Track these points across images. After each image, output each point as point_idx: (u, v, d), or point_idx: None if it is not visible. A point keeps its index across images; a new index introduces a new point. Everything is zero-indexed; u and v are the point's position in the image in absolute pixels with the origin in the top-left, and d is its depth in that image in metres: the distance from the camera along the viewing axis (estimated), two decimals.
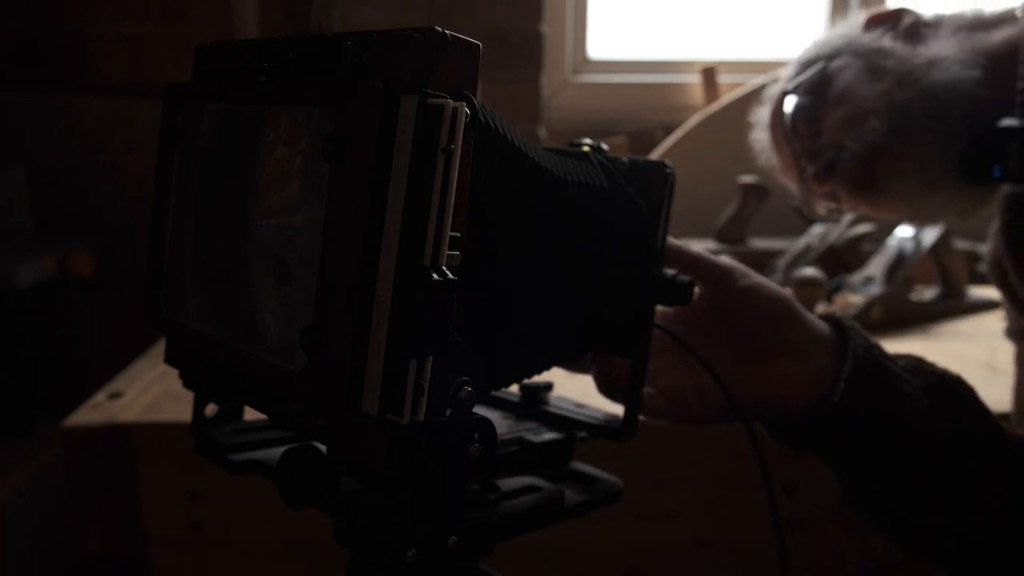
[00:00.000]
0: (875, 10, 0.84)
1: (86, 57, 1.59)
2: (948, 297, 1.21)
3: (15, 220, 1.53)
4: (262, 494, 0.49)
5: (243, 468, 0.44)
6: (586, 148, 0.48)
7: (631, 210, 0.48)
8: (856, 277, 1.18)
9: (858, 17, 0.85)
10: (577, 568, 0.85)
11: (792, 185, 0.89)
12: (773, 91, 0.90)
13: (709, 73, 1.60)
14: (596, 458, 0.49)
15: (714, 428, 0.61)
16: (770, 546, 0.51)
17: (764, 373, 0.57)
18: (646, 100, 1.65)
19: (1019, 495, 0.60)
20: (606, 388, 0.54)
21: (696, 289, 0.50)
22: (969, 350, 1.03)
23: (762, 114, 0.92)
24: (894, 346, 0.63)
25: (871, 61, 0.79)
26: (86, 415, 0.83)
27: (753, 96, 1.02)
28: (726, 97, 1.54)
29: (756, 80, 1.48)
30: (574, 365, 0.56)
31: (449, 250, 0.31)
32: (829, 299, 1.14)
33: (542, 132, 1.61)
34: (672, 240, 0.53)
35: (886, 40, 0.80)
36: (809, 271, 1.10)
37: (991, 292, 1.11)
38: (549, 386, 0.52)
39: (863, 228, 1.24)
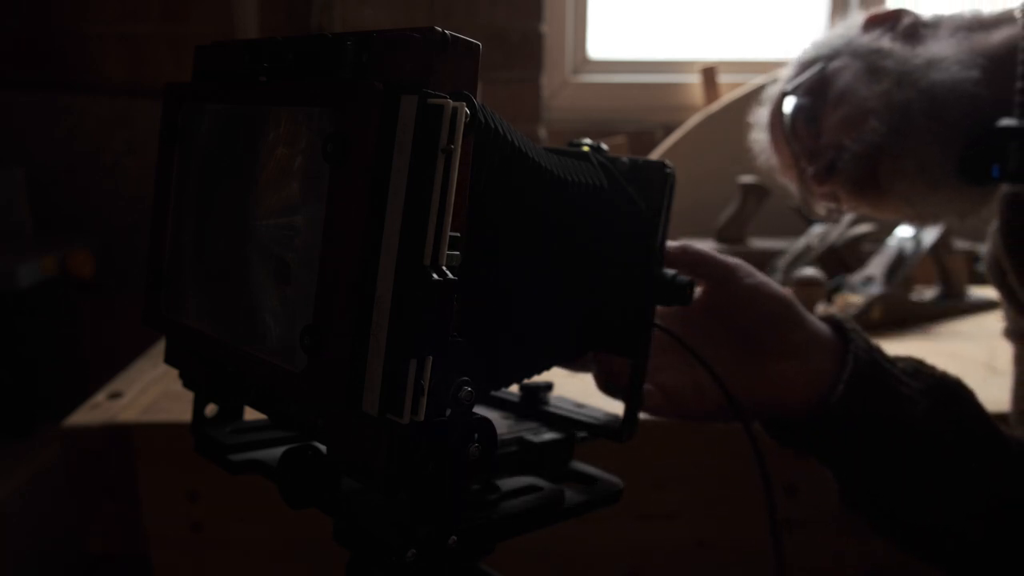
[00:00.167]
0: (874, 10, 0.84)
1: (86, 57, 1.59)
2: (948, 297, 1.21)
3: (15, 220, 1.53)
4: (262, 494, 0.49)
5: (243, 468, 0.44)
6: (586, 148, 0.48)
7: (631, 210, 0.48)
8: (856, 277, 1.18)
9: (857, 17, 0.85)
10: (577, 568, 0.85)
11: (792, 185, 0.89)
12: (772, 92, 0.90)
13: (709, 73, 1.60)
14: (596, 458, 0.49)
15: (714, 428, 0.61)
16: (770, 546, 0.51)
17: (764, 373, 0.57)
18: (646, 100, 1.65)
19: (1018, 496, 0.60)
20: (607, 385, 0.54)
21: (696, 289, 0.50)
22: (969, 350, 1.03)
23: (762, 115, 0.92)
24: (894, 346, 0.63)
25: (870, 62, 0.79)
26: (86, 415, 0.83)
27: (753, 96, 1.02)
28: (726, 97, 1.54)
29: (756, 80, 1.48)
30: (574, 364, 0.56)
31: (449, 250, 0.31)
32: (829, 299, 1.14)
33: (542, 132, 1.61)
34: (673, 242, 0.54)
35: (885, 40, 0.80)
36: (809, 271, 1.10)
37: (991, 292, 1.11)
38: (549, 386, 0.52)
39: (863, 228, 1.24)
